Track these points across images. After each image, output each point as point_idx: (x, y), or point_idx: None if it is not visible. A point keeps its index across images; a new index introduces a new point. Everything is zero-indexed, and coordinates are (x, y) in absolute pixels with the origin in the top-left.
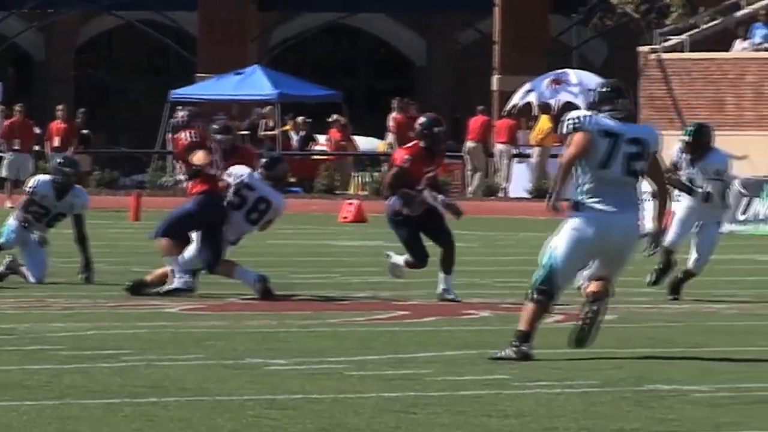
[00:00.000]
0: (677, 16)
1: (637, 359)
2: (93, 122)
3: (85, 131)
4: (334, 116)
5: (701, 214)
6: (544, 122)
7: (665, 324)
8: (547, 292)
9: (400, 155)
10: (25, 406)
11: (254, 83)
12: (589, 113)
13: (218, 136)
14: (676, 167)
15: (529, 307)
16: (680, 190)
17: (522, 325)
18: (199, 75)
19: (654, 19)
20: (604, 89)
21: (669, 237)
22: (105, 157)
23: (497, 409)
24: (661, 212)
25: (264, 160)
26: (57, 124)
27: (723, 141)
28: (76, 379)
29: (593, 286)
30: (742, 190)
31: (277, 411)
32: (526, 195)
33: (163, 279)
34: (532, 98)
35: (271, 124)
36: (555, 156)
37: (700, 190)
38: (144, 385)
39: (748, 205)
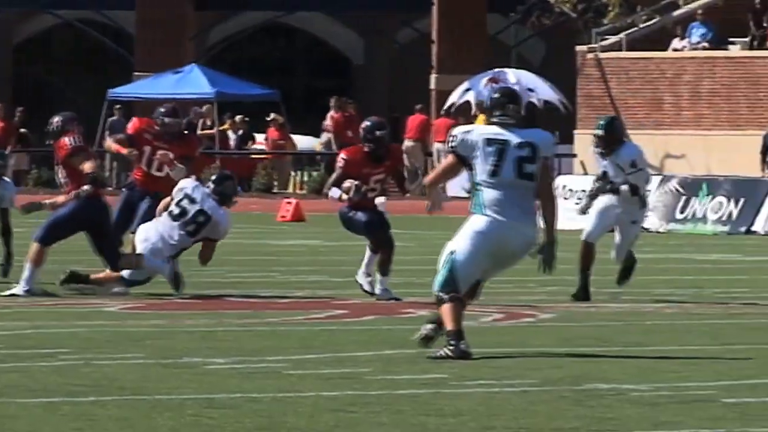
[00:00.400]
0: (615, 15)
1: (576, 358)
2: (31, 121)
3: (23, 130)
4: (272, 115)
5: (620, 213)
6: (482, 121)
7: (604, 323)
8: (452, 290)
9: (339, 157)
10: None
11: (192, 82)
12: (469, 129)
13: (167, 120)
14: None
15: (445, 307)
16: (610, 193)
17: (449, 325)
18: (137, 74)
19: (591, 18)
20: (495, 95)
21: (588, 228)
22: (43, 155)
23: (435, 408)
24: (549, 223)
25: (214, 176)
26: None
27: (660, 140)
28: (14, 377)
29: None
30: (680, 189)
31: (216, 410)
32: (464, 194)
33: (106, 281)
34: (470, 97)
35: (209, 122)
36: None
37: (623, 188)
38: (83, 384)
39: (686, 204)
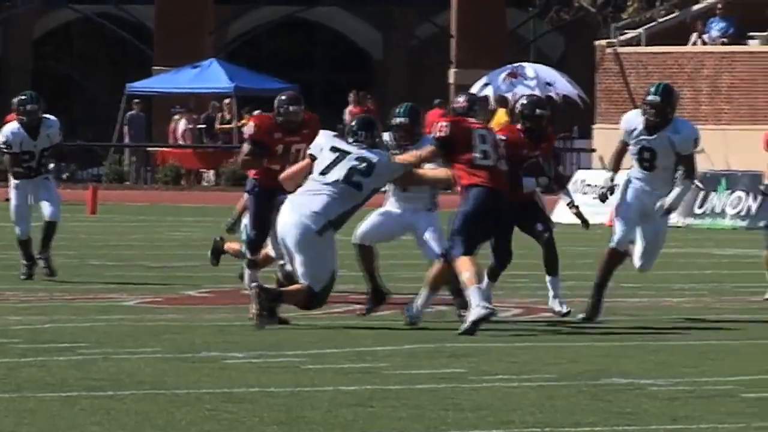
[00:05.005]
0: (634, 10)
1: (594, 353)
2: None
3: None
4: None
5: (406, 214)
6: (500, 116)
7: (622, 317)
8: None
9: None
10: None
11: (211, 76)
12: (326, 136)
13: (291, 108)
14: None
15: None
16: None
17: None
18: (156, 68)
19: (610, 12)
20: (352, 124)
21: (362, 229)
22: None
23: (454, 402)
24: None
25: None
26: (14, 117)
27: None
28: (33, 372)
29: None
30: (699, 184)
31: (234, 404)
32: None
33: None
34: (489, 92)
35: (228, 117)
36: None
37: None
38: (101, 378)
39: (705, 199)
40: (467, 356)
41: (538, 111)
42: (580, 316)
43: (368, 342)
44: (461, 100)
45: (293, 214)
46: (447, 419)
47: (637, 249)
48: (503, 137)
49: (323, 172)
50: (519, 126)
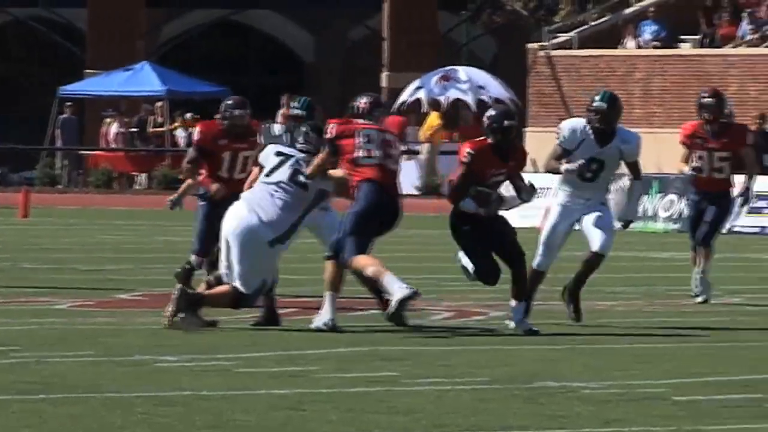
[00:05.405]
0: (566, 13)
1: (527, 356)
2: None
3: None
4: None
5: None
6: (433, 119)
7: (555, 321)
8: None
9: (463, 150)
10: None
11: (143, 79)
12: (272, 147)
13: (236, 112)
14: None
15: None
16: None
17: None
18: (88, 71)
19: (543, 16)
20: (302, 128)
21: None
22: None
23: (387, 405)
24: None
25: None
26: None
27: None
28: None
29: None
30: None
31: (167, 408)
32: (414, 192)
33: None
34: (422, 95)
35: (160, 120)
36: (444, 153)
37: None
38: (34, 381)
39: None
40: (400, 359)
41: (506, 122)
42: (511, 323)
43: (300, 345)
44: (363, 101)
45: (244, 220)
46: (379, 422)
47: (590, 236)
48: (471, 151)
49: (268, 174)
50: (491, 140)
